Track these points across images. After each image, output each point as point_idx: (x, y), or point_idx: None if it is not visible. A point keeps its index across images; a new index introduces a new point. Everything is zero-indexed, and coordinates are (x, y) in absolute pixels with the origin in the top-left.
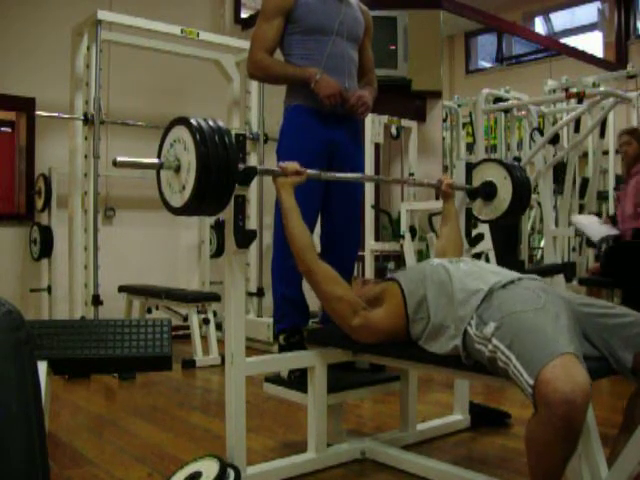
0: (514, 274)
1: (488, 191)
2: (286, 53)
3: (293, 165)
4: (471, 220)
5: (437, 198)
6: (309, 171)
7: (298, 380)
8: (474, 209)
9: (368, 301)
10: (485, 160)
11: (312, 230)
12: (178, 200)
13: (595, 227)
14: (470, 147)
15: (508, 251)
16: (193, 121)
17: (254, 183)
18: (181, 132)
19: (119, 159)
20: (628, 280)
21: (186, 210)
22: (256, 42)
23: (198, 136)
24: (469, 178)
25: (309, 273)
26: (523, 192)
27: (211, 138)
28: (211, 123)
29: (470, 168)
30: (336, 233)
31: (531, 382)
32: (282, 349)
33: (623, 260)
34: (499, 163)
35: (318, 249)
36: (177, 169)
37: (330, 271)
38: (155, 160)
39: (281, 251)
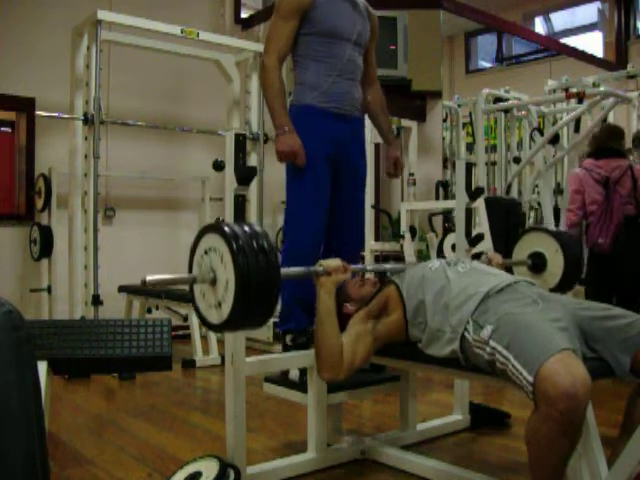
0: (511, 277)
1: (537, 263)
2: (298, 54)
3: (337, 262)
4: (471, 220)
5: (437, 198)
6: (352, 266)
7: (298, 380)
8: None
9: (372, 313)
10: (533, 229)
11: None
12: (215, 316)
13: None
14: (470, 147)
15: (508, 251)
16: (227, 229)
17: (254, 183)
18: (214, 240)
19: (148, 279)
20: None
21: (226, 327)
22: (272, 43)
23: (234, 245)
24: (514, 248)
25: (335, 377)
26: (576, 267)
27: (249, 246)
28: (246, 228)
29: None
30: (340, 233)
31: (531, 379)
32: (287, 349)
33: None
34: (550, 234)
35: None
36: (213, 282)
37: (347, 357)
38: (187, 275)
39: (293, 247)
